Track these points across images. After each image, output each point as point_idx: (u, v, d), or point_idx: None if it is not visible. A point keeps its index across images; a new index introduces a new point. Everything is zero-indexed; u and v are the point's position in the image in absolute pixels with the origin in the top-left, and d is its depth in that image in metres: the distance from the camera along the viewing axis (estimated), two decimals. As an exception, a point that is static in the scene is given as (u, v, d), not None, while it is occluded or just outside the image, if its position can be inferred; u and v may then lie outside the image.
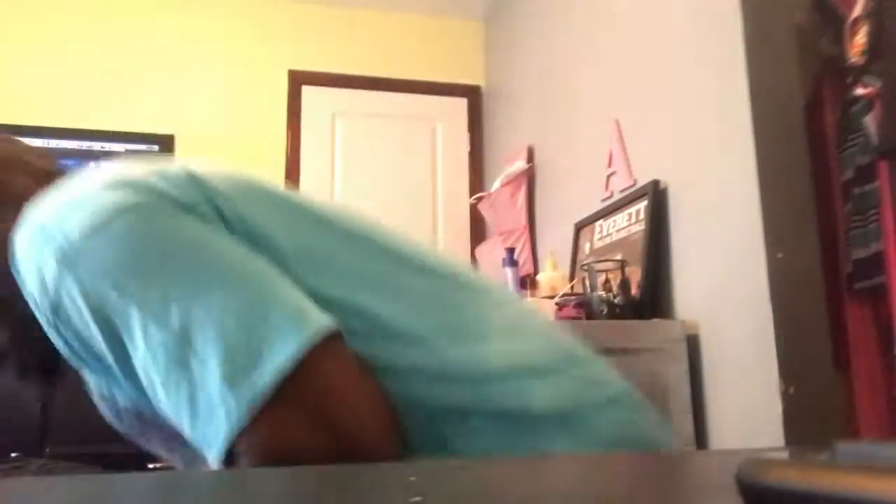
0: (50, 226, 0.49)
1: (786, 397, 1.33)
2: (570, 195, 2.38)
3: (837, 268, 1.46)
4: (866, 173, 1.38)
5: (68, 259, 0.47)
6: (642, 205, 1.82)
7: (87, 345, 0.49)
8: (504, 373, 0.52)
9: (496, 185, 2.84)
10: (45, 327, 0.51)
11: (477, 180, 3.28)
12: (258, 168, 2.92)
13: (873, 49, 1.36)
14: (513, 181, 2.75)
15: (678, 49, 1.75)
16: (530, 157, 2.73)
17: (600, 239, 2.06)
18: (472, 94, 3.38)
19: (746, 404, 1.44)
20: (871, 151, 1.37)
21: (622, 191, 1.97)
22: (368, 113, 3.24)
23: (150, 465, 2.18)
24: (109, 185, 0.51)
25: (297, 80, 3.15)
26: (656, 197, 1.78)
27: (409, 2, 3.28)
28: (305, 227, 0.54)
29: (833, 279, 1.45)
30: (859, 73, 1.40)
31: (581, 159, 2.30)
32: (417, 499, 0.22)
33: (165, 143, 2.78)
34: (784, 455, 0.18)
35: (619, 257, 1.80)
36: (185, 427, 0.45)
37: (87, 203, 0.50)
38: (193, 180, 0.52)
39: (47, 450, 2.16)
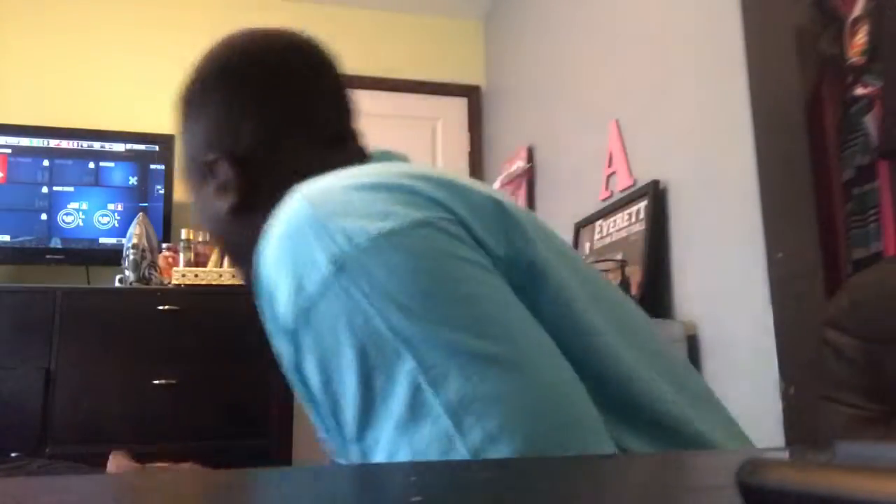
0: (325, 220, 0.42)
1: (786, 397, 1.33)
2: (569, 195, 2.38)
3: (837, 268, 1.45)
4: (866, 173, 1.38)
5: (347, 264, 0.40)
6: (642, 205, 1.82)
7: (323, 369, 0.41)
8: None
9: (496, 185, 2.84)
10: (275, 335, 0.43)
11: (477, 180, 3.28)
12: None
13: (873, 49, 1.36)
14: (513, 181, 2.75)
15: (678, 49, 1.75)
16: (530, 157, 2.73)
17: (600, 239, 2.06)
18: (472, 94, 3.38)
19: (746, 404, 1.44)
20: (871, 151, 1.37)
21: (622, 191, 1.97)
22: (368, 113, 3.21)
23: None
24: (397, 190, 0.44)
25: (297, 80, 3.14)
26: (656, 197, 1.78)
27: (409, 2, 3.28)
28: (591, 288, 0.49)
29: (833, 279, 1.45)
30: (859, 73, 1.40)
31: (581, 159, 2.30)
32: (417, 499, 0.22)
33: (165, 143, 2.78)
34: (784, 455, 0.18)
35: (619, 257, 1.80)
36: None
37: (373, 205, 0.43)
38: (500, 213, 0.46)
39: (47, 450, 2.16)
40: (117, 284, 2.48)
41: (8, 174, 2.62)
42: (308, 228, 0.42)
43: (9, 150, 2.63)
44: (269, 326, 0.44)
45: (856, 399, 0.92)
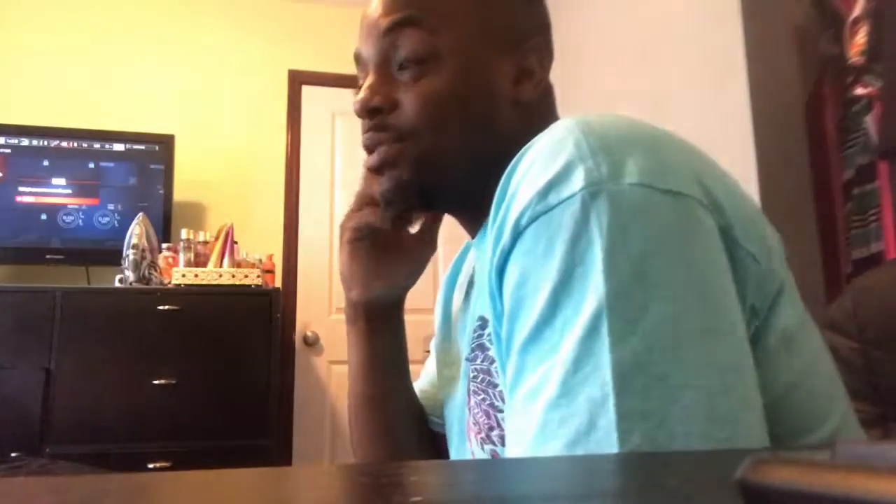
0: (606, 144, 0.40)
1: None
2: (570, 195, 2.38)
3: (837, 268, 1.45)
4: (866, 173, 1.38)
5: (602, 194, 0.38)
6: (642, 205, 1.82)
7: (525, 271, 0.40)
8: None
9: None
10: (498, 234, 0.42)
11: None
12: (258, 168, 2.91)
13: (873, 49, 1.36)
14: (513, 181, 2.75)
15: (678, 49, 1.75)
16: (530, 157, 2.73)
17: (600, 239, 2.06)
18: (472, 94, 3.37)
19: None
20: (871, 151, 1.37)
21: (622, 191, 1.97)
22: (368, 113, 3.23)
23: (150, 465, 2.18)
24: (688, 153, 0.43)
25: (297, 80, 3.15)
26: (656, 197, 1.78)
27: (409, 2, 3.27)
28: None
29: (833, 279, 1.45)
30: (859, 73, 1.40)
31: (581, 159, 2.30)
32: (417, 499, 0.22)
33: (165, 143, 2.78)
34: (784, 455, 0.18)
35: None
36: (526, 439, 0.37)
37: (652, 152, 0.40)
38: (761, 230, 0.46)
39: (47, 450, 2.16)
40: (117, 284, 2.48)
41: (8, 174, 2.62)
42: (584, 144, 0.40)
43: (9, 150, 2.63)
44: (494, 228, 0.43)
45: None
